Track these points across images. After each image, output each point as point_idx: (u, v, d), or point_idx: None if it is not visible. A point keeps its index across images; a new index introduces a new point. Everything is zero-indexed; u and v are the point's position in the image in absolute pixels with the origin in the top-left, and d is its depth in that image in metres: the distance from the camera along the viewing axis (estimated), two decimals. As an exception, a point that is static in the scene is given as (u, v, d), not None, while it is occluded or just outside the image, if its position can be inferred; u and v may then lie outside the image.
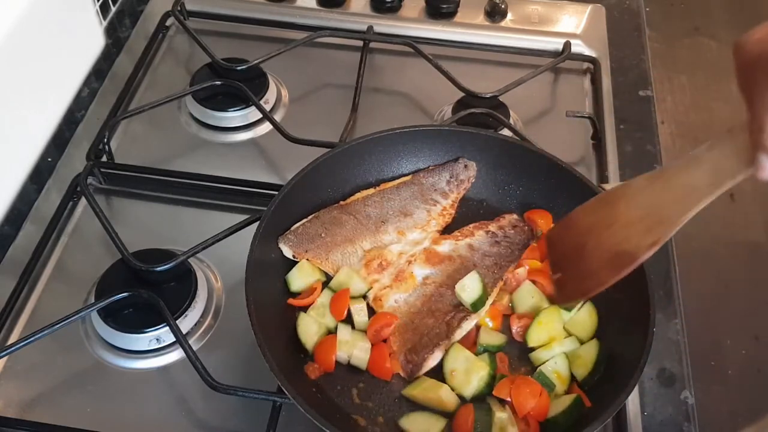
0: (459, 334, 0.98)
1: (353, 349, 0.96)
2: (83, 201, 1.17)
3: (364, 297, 1.03)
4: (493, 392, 0.93)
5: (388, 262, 1.05)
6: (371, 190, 1.12)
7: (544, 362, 0.96)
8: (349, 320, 1.00)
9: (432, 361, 0.96)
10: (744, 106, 0.66)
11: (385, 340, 0.98)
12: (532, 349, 0.99)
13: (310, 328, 0.98)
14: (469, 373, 0.94)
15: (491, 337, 0.99)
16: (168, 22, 1.48)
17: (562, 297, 0.98)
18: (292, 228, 1.06)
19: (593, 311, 1.01)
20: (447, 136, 1.14)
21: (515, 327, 1.01)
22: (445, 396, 0.93)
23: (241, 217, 1.08)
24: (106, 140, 1.22)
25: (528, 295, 1.03)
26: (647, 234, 0.82)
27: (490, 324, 1.01)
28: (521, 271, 1.05)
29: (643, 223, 0.83)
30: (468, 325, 0.98)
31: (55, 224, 1.14)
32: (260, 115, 1.29)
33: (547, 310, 1.00)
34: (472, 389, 0.94)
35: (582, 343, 0.99)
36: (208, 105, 1.30)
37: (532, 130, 1.30)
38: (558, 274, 0.97)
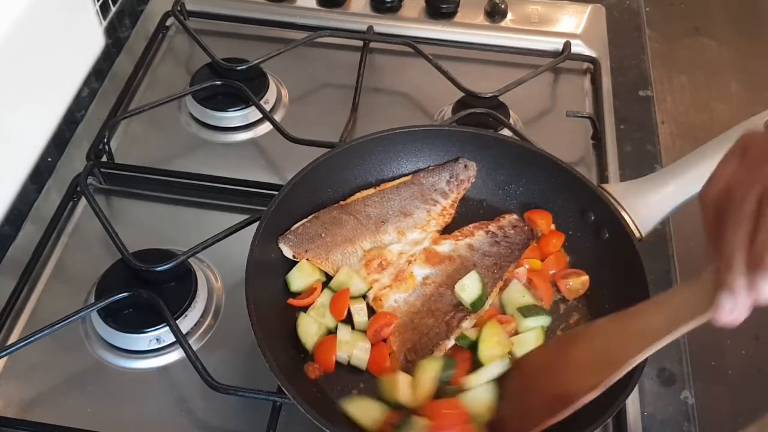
0: (458, 333, 0.98)
1: (353, 349, 0.96)
2: (83, 201, 1.17)
3: (364, 297, 1.03)
4: (417, 410, 0.90)
5: (388, 262, 1.05)
6: (371, 190, 1.12)
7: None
8: (349, 320, 1.00)
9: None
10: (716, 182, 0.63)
11: (384, 340, 0.98)
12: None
13: (310, 328, 0.98)
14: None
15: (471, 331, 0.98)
16: (168, 22, 1.48)
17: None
18: (292, 228, 1.06)
19: (541, 333, 0.98)
20: (447, 136, 1.14)
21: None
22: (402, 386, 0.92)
23: (241, 217, 1.08)
24: (106, 140, 1.22)
25: (518, 295, 1.02)
26: (590, 377, 0.79)
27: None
28: (521, 271, 1.05)
29: (591, 365, 0.80)
30: (468, 326, 0.98)
31: (55, 224, 1.14)
32: (260, 115, 1.29)
33: (491, 324, 0.97)
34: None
35: None
36: (208, 105, 1.30)
37: (532, 130, 1.30)
38: (501, 405, 0.91)
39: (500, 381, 0.93)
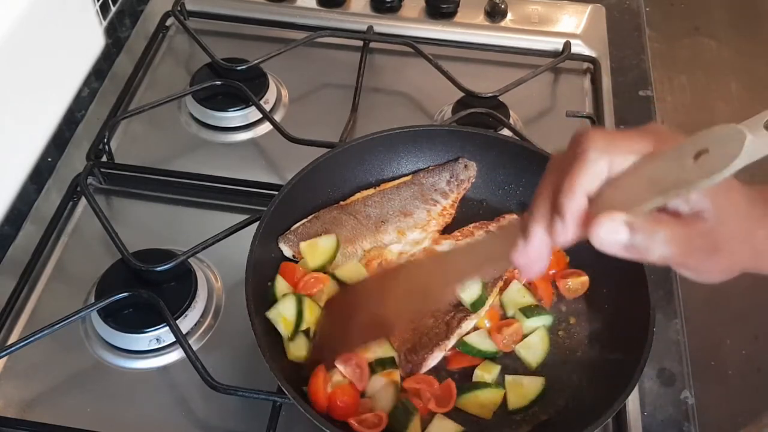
0: (458, 334, 0.98)
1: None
2: (83, 201, 1.17)
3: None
4: None
5: (388, 262, 1.05)
6: (371, 190, 1.12)
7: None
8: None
9: (431, 361, 0.95)
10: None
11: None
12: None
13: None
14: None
15: (483, 343, 0.98)
16: (168, 22, 1.48)
17: (315, 353, 0.96)
18: (293, 228, 1.06)
19: (546, 336, 0.99)
20: (447, 136, 1.14)
21: (503, 337, 0.99)
22: None
23: (241, 217, 1.08)
24: (106, 140, 1.22)
25: (519, 296, 1.02)
26: (410, 306, 0.88)
27: (488, 324, 1.01)
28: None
29: (412, 296, 0.87)
30: (468, 326, 0.98)
31: (55, 224, 1.14)
32: (260, 115, 1.29)
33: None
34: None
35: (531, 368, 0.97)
36: (208, 105, 1.30)
37: (532, 130, 1.30)
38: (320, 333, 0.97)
39: (327, 304, 0.99)
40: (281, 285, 1.00)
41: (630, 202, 0.61)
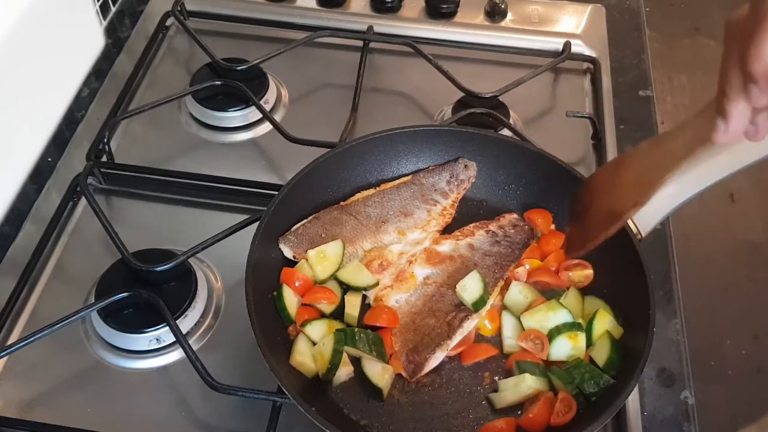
0: (460, 333, 0.98)
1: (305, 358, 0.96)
2: (83, 201, 1.17)
3: (364, 295, 1.03)
4: None
5: (388, 262, 1.05)
6: (371, 191, 1.12)
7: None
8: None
9: (434, 361, 0.95)
10: None
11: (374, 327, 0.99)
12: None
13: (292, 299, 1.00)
14: None
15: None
16: (168, 22, 1.48)
17: (567, 251, 1.02)
18: (293, 228, 1.06)
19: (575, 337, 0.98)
20: (447, 136, 1.14)
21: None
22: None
23: (241, 217, 1.08)
24: (106, 140, 1.22)
25: (520, 296, 1.02)
26: (632, 195, 0.87)
27: (489, 326, 1.01)
28: (521, 271, 1.05)
29: (633, 184, 0.88)
30: (469, 325, 0.98)
31: (55, 224, 1.14)
32: (260, 115, 1.29)
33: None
34: None
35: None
36: (208, 105, 1.30)
37: (532, 130, 1.30)
38: (567, 229, 1.05)
39: (571, 202, 1.02)
40: (288, 294, 0.99)
41: None
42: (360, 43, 1.42)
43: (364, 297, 1.03)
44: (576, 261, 1.05)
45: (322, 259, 1.02)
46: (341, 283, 1.03)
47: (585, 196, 0.99)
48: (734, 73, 0.67)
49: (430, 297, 1.02)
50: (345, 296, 1.01)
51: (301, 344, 0.95)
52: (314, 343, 0.96)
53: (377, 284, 1.03)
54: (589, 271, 1.04)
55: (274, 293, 0.99)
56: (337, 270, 1.03)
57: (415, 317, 1.00)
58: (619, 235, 1.01)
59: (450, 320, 0.98)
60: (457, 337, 0.97)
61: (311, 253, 1.03)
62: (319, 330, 0.96)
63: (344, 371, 0.94)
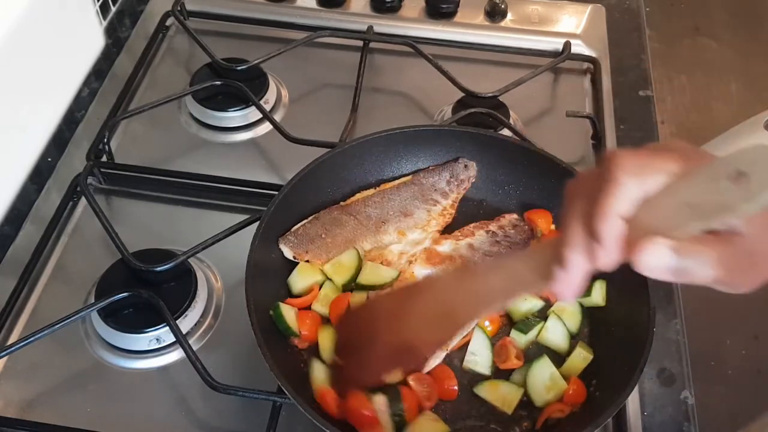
0: (460, 334, 0.97)
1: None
2: (83, 201, 1.17)
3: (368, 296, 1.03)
4: None
5: (388, 262, 1.05)
6: (371, 191, 1.12)
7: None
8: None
9: (434, 361, 0.95)
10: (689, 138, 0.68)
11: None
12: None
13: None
14: None
15: None
16: (168, 22, 1.48)
17: (337, 387, 0.91)
18: (293, 229, 1.06)
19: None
20: (447, 136, 1.14)
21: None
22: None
23: (241, 217, 1.08)
24: (106, 140, 1.22)
25: (520, 299, 1.02)
26: (437, 331, 0.82)
27: (489, 327, 1.01)
28: (521, 271, 1.05)
29: (436, 319, 0.81)
30: (470, 325, 0.98)
31: (55, 224, 1.14)
32: (260, 115, 1.29)
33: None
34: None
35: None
36: (208, 105, 1.30)
37: (532, 130, 1.30)
38: (338, 360, 0.91)
39: (338, 328, 0.94)
40: (286, 312, 0.98)
41: (670, 226, 0.60)
42: (360, 43, 1.42)
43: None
44: None
45: (337, 268, 1.03)
46: (354, 288, 1.03)
47: (363, 322, 0.89)
48: (576, 226, 0.65)
49: (430, 297, 1.02)
50: (351, 299, 1.01)
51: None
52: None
53: (400, 275, 1.03)
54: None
55: (271, 313, 0.98)
56: (356, 276, 1.02)
57: (415, 317, 1.00)
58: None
59: (450, 320, 0.98)
60: (457, 337, 0.97)
61: (327, 267, 1.03)
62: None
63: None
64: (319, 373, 0.94)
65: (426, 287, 0.86)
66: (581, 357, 0.97)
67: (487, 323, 1.01)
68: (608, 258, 0.64)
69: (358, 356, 0.88)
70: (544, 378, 0.94)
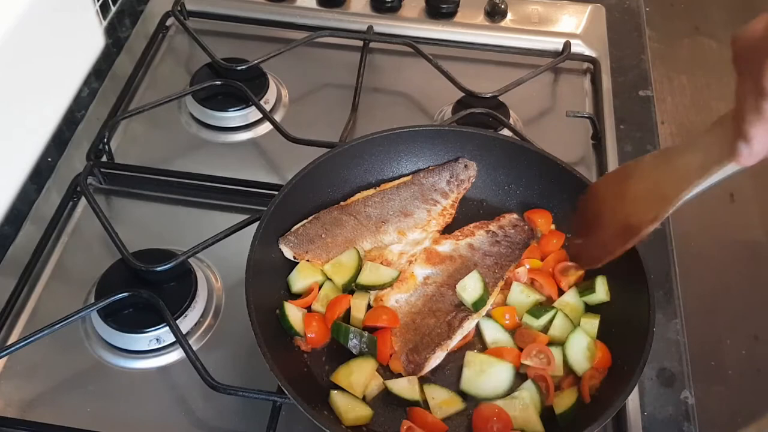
0: (460, 333, 0.98)
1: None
2: (83, 201, 1.17)
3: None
4: None
5: (388, 262, 1.05)
6: (371, 191, 1.12)
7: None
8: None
9: (434, 361, 0.95)
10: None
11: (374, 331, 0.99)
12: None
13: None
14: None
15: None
16: (168, 22, 1.48)
17: (579, 262, 1.02)
18: (293, 229, 1.06)
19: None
20: (447, 136, 1.14)
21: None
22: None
23: (241, 217, 1.08)
24: (106, 140, 1.22)
25: (522, 295, 1.03)
26: (649, 209, 0.86)
27: (508, 320, 1.01)
28: (522, 271, 1.05)
29: (647, 198, 0.87)
30: (469, 325, 0.99)
31: (55, 224, 1.14)
32: (260, 115, 1.29)
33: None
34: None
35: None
36: (208, 105, 1.30)
37: (532, 130, 1.30)
38: (578, 240, 1.02)
39: (577, 212, 1.01)
40: (291, 311, 0.99)
41: None
42: (360, 43, 1.42)
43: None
44: (569, 263, 1.05)
45: (337, 268, 1.03)
46: (353, 288, 1.03)
47: (592, 207, 0.98)
48: (750, 94, 0.66)
49: (430, 297, 1.02)
50: (351, 300, 1.01)
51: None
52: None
53: (400, 274, 1.03)
54: (582, 272, 1.04)
55: (277, 312, 0.99)
56: (357, 275, 1.02)
57: (415, 317, 1.00)
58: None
59: (450, 320, 0.98)
60: (457, 337, 0.97)
61: (327, 267, 1.03)
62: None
63: (375, 384, 0.95)
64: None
65: (634, 170, 0.92)
66: (590, 326, 0.99)
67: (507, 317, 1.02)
68: None
69: (592, 236, 0.96)
70: (582, 347, 0.96)
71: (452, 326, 0.98)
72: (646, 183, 0.88)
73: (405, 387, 0.94)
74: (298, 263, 1.04)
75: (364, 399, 0.94)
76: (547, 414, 0.93)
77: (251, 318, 0.90)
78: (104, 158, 1.23)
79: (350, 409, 0.91)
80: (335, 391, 0.93)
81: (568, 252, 1.06)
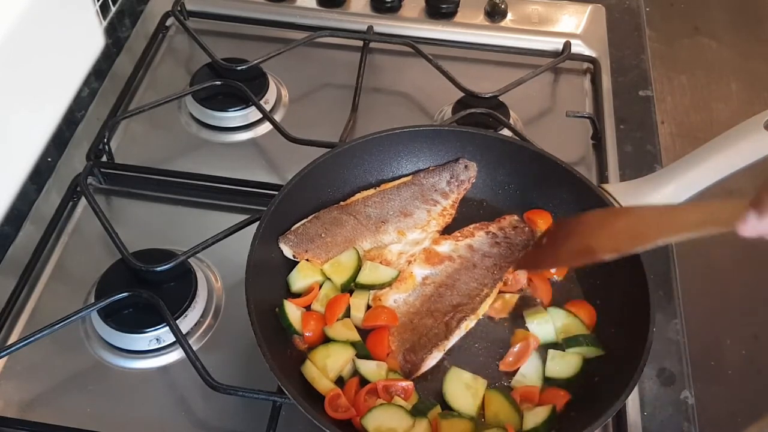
0: (458, 334, 0.98)
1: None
2: (83, 201, 1.17)
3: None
4: None
5: (388, 262, 1.05)
6: (371, 191, 1.12)
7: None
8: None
9: (430, 361, 0.95)
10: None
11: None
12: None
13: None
14: None
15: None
16: (168, 22, 1.48)
17: (520, 264, 1.04)
18: (293, 228, 1.06)
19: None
20: (447, 136, 1.14)
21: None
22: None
23: (241, 217, 1.08)
24: (106, 140, 1.22)
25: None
26: (617, 241, 0.88)
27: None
28: (521, 272, 1.05)
29: (623, 235, 0.89)
30: (467, 326, 0.99)
31: (55, 224, 1.14)
32: (260, 115, 1.29)
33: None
34: None
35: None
36: (208, 105, 1.30)
37: (532, 130, 1.30)
38: (533, 247, 1.05)
39: (552, 227, 1.05)
40: (291, 310, 0.99)
41: None
42: (360, 43, 1.42)
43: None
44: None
45: (336, 268, 1.03)
46: (353, 288, 1.03)
47: (565, 228, 0.99)
48: None
49: (429, 297, 1.02)
50: (351, 299, 1.01)
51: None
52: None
53: (399, 274, 1.03)
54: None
55: (277, 310, 0.99)
56: (356, 275, 1.02)
57: (412, 317, 1.00)
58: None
59: (447, 321, 0.98)
60: (455, 338, 0.97)
61: (326, 266, 1.03)
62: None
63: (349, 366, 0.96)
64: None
65: (626, 212, 0.96)
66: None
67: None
68: None
69: (555, 245, 0.99)
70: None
71: (450, 327, 0.98)
72: (630, 223, 0.89)
73: (373, 370, 0.94)
74: (297, 263, 1.04)
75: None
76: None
77: (251, 317, 0.90)
78: (104, 158, 1.23)
79: (318, 381, 0.93)
80: (309, 362, 0.94)
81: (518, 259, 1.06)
